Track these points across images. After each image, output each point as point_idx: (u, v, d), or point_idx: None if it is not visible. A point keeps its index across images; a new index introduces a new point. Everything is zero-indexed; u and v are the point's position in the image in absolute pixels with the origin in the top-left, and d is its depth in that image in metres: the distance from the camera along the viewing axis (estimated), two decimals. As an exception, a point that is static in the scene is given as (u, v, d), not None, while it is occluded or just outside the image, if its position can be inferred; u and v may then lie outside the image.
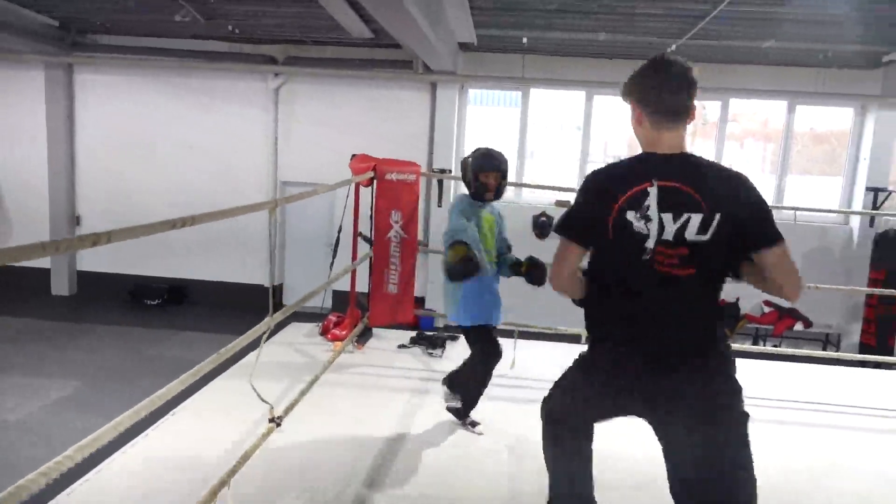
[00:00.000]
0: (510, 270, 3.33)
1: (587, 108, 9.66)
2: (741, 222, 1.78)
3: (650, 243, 1.78)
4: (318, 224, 9.90)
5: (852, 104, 9.35)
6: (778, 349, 7.25)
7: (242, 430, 3.08)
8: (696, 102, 1.92)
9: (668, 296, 1.83)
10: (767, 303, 9.08)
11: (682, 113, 1.88)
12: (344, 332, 4.48)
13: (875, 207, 8.91)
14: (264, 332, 2.58)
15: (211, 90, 9.81)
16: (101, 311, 9.65)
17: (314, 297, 3.45)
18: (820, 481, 3.05)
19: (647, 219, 1.77)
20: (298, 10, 7.77)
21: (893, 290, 5.71)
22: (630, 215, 1.79)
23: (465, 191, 3.40)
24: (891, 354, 7.80)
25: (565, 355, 4.59)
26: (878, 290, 7.32)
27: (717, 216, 1.76)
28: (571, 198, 8.31)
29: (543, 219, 9.41)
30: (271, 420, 2.55)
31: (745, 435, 1.83)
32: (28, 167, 10.05)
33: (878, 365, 5.42)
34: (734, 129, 10.33)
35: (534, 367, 4.32)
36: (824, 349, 8.93)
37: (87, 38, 9.67)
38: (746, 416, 1.85)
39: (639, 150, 1.99)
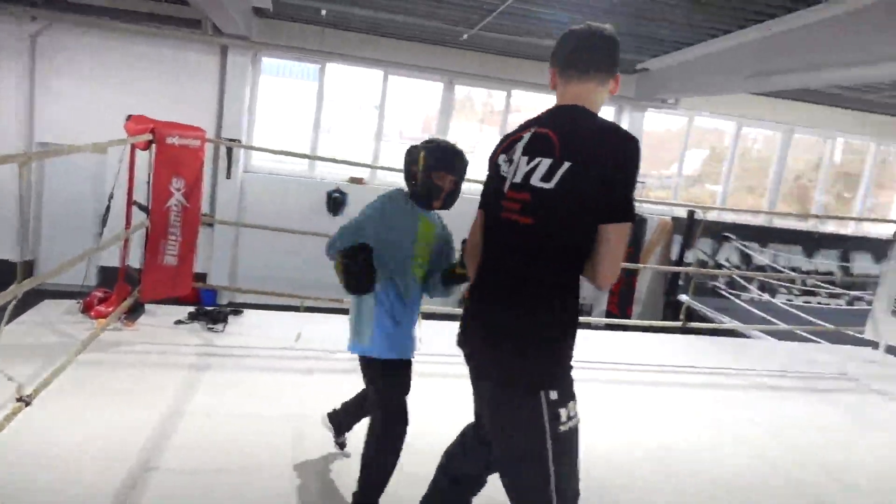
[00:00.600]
0: (443, 287, 2.52)
1: (383, 87, 9.83)
2: (591, 181, 1.60)
3: (505, 186, 1.70)
4: (85, 194, 8.87)
5: (613, 104, 10.66)
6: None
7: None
8: (550, 75, 1.85)
9: (506, 247, 1.72)
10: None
11: (581, 66, 1.75)
12: (110, 309, 4.12)
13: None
14: (7, 304, 2.30)
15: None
16: None
17: (75, 272, 3.06)
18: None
19: (511, 162, 1.71)
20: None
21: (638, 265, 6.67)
22: (501, 159, 1.74)
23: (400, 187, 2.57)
24: (630, 319, 9.14)
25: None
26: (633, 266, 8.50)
27: (566, 165, 1.60)
28: (366, 175, 8.47)
29: (337, 195, 9.51)
30: (19, 399, 2.30)
31: (535, 434, 1.68)
32: None
33: (623, 329, 6.36)
34: (517, 118, 11.21)
35: (319, 340, 4.38)
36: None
37: None
38: (539, 414, 1.68)
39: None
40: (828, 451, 3.66)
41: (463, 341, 1.87)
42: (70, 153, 2.81)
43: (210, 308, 4.50)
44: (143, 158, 4.09)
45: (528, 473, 1.70)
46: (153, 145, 3.87)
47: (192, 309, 4.49)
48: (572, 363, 1.73)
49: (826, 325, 6.41)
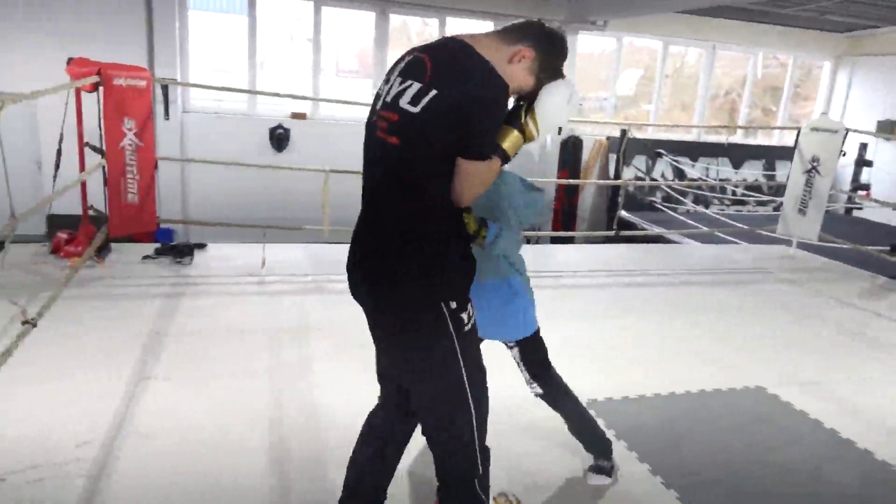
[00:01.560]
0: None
1: (316, 19, 9.71)
2: (452, 111, 1.58)
3: (379, 104, 1.72)
4: (19, 140, 8.62)
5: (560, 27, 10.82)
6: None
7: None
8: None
9: (377, 166, 1.72)
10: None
11: (506, 28, 1.79)
12: (79, 248, 4.27)
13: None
14: None
15: None
16: None
17: (21, 225, 3.14)
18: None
19: (387, 82, 1.73)
20: None
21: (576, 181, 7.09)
22: (381, 81, 1.77)
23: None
24: (572, 240, 9.68)
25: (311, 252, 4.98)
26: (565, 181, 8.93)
27: (433, 92, 1.60)
28: (307, 109, 8.58)
29: (280, 131, 9.52)
30: (25, 322, 2.52)
31: (420, 366, 1.72)
32: None
33: (564, 242, 6.83)
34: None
35: (283, 265, 4.64)
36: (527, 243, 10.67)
37: None
38: (422, 342, 1.69)
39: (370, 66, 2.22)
40: (746, 327, 4.22)
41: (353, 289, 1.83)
42: (34, 98, 2.91)
43: (174, 244, 4.68)
44: (89, 101, 4.14)
45: (447, 398, 1.75)
46: (100, 87, 3.94)
47: (157, 245, 4.66)
48: (464, 284, 1.74)
49: (741, 225, 7.04)
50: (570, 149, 10.61)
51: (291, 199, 8.39)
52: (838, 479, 2.63)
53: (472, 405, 1.74)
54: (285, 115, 9.57)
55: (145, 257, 4.55)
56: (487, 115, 1.62)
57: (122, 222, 4.20)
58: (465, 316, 1.72)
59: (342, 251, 4.94)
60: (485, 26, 10.77)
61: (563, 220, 10.47)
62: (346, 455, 1.98)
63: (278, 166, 6.98)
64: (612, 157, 10.97)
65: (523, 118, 1.74)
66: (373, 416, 2.00)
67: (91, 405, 2.65)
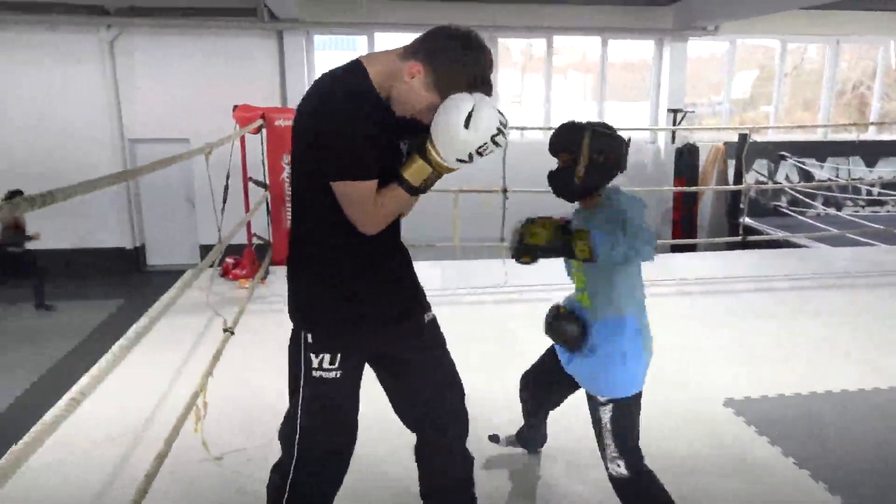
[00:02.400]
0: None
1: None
2: (304, 135, 1.59)
3: None
4: (174, 179, 9.75)
5: (652, 37, 10.81)
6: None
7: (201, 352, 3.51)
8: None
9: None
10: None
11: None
12: (245, 271, 4.87)
13: (675, 126, 10.55)
14: (210, 266, 2.99)
15: (40, 48, 9.12)
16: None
17: (177, 252, 3.63)
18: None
19: None
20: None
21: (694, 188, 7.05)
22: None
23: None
24: (694, 248, 9.52)
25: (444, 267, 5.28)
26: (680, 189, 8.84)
27: (296, 120, 1.64)
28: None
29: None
30: (226, 330, 3.01)
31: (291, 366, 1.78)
32: None
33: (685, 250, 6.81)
34: (558, 63, 11.48)
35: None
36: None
37: None
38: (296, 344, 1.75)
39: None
40: (886, 331, 4.09)
41: None
42: (217, 146, 3.43)
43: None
44: (250, 140, 4.74)
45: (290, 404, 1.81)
46: (263, 129, 4.52)
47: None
48: (342, 315, 1.70)
49: (876, 226, 6.70)
50: (686, 157, 10.46)
51: (421, 218, 8.84)
52: None
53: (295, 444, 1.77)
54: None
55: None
56: (331, 135, 1.53)
57: (285, 248, 4.76)
58: (315, 358, 1.70)
59: (473, 266, 5.34)
60: (592, 42, 10.91)
61: (683, 228, 10.31)
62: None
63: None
64: (731, 163, 10.69)
65: (426, 144, 1.57)
66: None
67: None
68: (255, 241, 4.94)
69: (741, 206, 7.36)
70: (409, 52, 1.60)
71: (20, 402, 5.72)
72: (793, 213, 9.82)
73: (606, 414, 1.96)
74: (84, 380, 1.89)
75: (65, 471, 2.59)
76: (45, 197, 1.56)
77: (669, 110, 10.82)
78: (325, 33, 10.10)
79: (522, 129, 5.35)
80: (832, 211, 10.02)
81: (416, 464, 1.96)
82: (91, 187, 1.85)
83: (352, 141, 1.53)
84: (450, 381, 1.90)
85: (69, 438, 2.65)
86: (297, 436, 1.76)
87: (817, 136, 11.72)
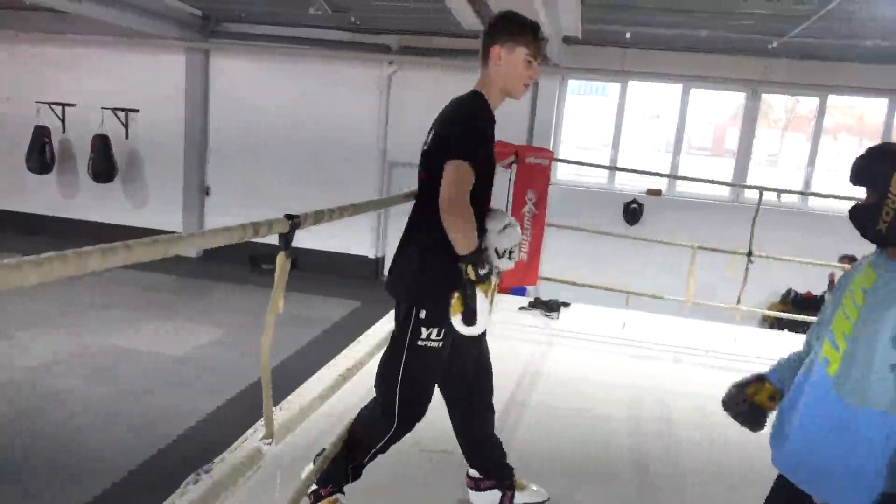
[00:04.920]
0: None
1: (683, 100, 10.03)
2: (438, 137, 2.14)
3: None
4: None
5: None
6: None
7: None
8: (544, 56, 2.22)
9: (419, 189, 2.28)
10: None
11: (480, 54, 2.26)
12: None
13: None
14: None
15: (332, 76, 10.72)
16: (224, 271, 10.79)
17: None
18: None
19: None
20: (417, 4, 8.53)
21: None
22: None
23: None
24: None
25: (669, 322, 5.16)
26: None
27: (433, 131, 2.19)
28: (663, 186, 8.88)
29: (634, 206, 9.98)
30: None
31: (392, 347, 2.20)
32: (166, 141, 11.29)
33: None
34: (828, 122, 10.48)
35: (642, 331, 4.96)
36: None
37: (223, 27, 10.78)
38: (401, 332, 2.16)
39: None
40: None
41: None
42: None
43: (546, 299, 5.38)
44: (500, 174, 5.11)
45: (386, 367, 2.21)
46: (514, 165, 4.86)
47: (531, 299, 5.42)
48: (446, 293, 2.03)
49: None
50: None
51: (649, 271, 8.68)
52: None
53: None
54: (640, 191, 10.02)
55: (521, 308, 5.32)
56: (456, 123, 2.18)
57: (511, 276, 5.03)
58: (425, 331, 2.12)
59: (702, 326, 5.12)
60: (875, 105, 9.78)
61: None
62: None
63: (643, 238, 7.33)
64: None
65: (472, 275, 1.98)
66: None
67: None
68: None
69: None
70: (482, 57, 2.23)
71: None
72: None
73: None
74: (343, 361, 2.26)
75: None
76: (346, 209, 2.20)
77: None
78: (581, 79, 10.42)
79: (780, 191, 5.01)
80: None
81: (462, 421, 2.40)
82: (378, 206, 2.40)
83: (472, 132, 2.13)
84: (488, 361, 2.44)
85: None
86: (398, 399, 2.16)
87: None
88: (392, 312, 2.28)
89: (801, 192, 9.31)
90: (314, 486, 2.26)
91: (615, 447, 3.15)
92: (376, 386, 2.26)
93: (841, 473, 1.53)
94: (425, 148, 2.19)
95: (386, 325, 4.22)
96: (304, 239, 9.88)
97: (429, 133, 2.21)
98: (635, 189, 10.07)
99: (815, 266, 8.73)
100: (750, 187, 9.11)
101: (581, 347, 4.63)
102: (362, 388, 3.43)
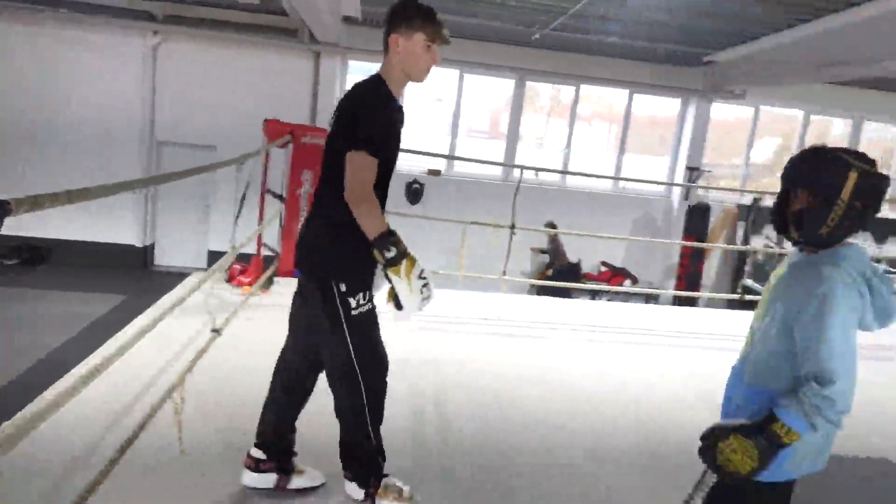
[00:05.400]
0: None
1: (460, 85, 10.56)
2: (345, 123, 2.16)
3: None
4: (192, 183, 9.99)
5: (679, 95, 11.04)
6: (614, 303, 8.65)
7: (189, 346, 3.66)
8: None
9: (322, 171, 2.28)
10: (604, 263, 10.64)
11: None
12: (250, 279, 5.04)
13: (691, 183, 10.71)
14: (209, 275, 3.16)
15: (85, 46, 9.52)
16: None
17: (186, 257, 3.77)
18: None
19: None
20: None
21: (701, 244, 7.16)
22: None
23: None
24: (697, 303, 9.58)
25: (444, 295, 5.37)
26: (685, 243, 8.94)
27: (337, 115, 2.22)
28: (442, 167, 9.24)
29: (416, 185, 10.33)
30: (213, 330, 3.17)
31: (330, 330, 2.24)
32: None
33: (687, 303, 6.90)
34: (584, 111, 11.74)
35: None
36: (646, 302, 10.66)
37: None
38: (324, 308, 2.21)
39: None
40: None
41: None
42: (249, 158, 3.64)
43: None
44: (275, 154, 4.95)
45: (334, 349, 2.26)
46: (290, 144, 4.74)
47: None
48: (363, 261, 2.18)
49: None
50: (697, 215, 10.58)
51: (432, 248, 9.04)
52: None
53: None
54: (421, 171, 10.40)
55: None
56: (356, 111, 2.17)
57: (289, 259, 4.93)
58: (353, 300, 2.20)
59: (475, 296, 5.44)
60: (620, 95, 11.16)
61: (687, 284, 10.39)
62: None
63: (423, 216, 7.62)
64: (741, 225, 10.80)
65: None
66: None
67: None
68: (264, 251, 5.12)
69: (746, 267, 7.45)
70: (384, 45, 2.24)
71: (13, 384, 5.82)
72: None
73: (713, 481, 1.80)
74: (80, 370, 2.03)
75: (44, 446, 2.72)
76: (75, 194, 1.74)
77: (687, 168, 10.99)
78: (362, 60, 10.43)
79: (537, 169, 5.49)
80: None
81: (284, 400, 2.46)
82: (121, 188, 2.06)
83: (376, 122, 2.14)
84: None
85: (56, 419, 2.79)
86: (359, 375, 2.24)
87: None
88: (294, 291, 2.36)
89: (551, 170, 10.21)
90: (362, 493, 2.35)
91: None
92: (330, 373, 2.32)
93: None
94: (331, 130, 2.24)
95: (151, 314, 3.91)
96: (58, 229, 8.82)
97: (333, 115, 2.26)
98: (417, 169, 10.41)
99: (568, 236, 9.79)
100: (510, 166, 9.94)
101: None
102: (110, 388, 3.15)
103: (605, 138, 12.10)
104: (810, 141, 12.13)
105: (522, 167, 5.61)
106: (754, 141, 11.87)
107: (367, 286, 2.22)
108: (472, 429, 3.25)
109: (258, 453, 2.44)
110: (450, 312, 5.09)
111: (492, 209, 7.63)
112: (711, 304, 8.98)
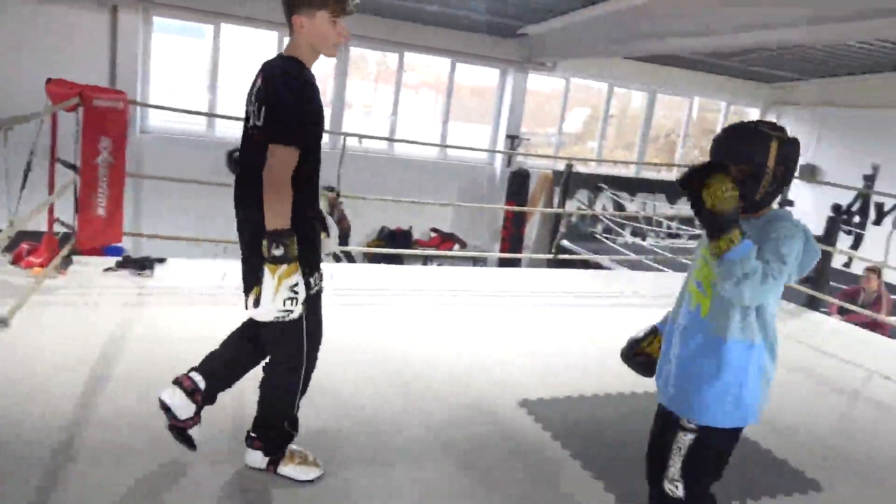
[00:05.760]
0: None
1: (279, 48, 10.07)
2: (267, 113, 2.08)
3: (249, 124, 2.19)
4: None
5: (498, 66, 11.47)
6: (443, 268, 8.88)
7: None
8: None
9: (245, 163, 2.20)
10: (433, 229, 10.90)
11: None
12: (40, 259, 4.44)
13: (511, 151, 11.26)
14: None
15: None
16: None
17: None
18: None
19: (249, 102, 2.20)
20: None
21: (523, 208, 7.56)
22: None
23: None
24: (520, 263, 10.16)
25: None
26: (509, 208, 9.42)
27: (257, 103, 2.12)
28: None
29: (237, 154, 9.76)
30: None
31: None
32: None
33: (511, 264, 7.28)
34: (412, 80, 11.79)
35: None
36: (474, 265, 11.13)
37: None
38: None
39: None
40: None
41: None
42: (19, 122, 3.15)
43: (137, 257, 4.89)
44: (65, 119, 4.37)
45: (286, 327, 2.24)
46: (80, 108, 4.19)
47: (118, 258, 4.86)
48: (316, 246, 2.33)
49: (666, 253, 7.64)
50: (518, 181, 11.17)
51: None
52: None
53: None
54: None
55: (107, 269, 4.74)
56: (277, 103, 2.11)
57: (90, 235, 4.41)
58: (312, 280, 2.29)
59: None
60: (440, 62, 11.33)
61: (511, 245, 10.98)
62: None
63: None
64: (557, 190, 11.59)
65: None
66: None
67: (53, 400, 2.89)
68: (57, 227, 4.54)
69: (561, 229, 8.01)
70: (289, 27, 2.18)
71: None
72: (605, 240, 10.85)
73: (684, 441, 1.88)
74: None
75: None
76: None
77: (507, 136, 11.52)
78: (168, 16, 9.54)
79: (360, 136, 5.42)
80: (638, 240, 11.20)
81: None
82: None
83: (296, 111, 2.12)
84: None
85: None
86: (305, 342, 2.32)
87: (630, 172, 13.07)
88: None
89: (375, 137, 10.06)
90: (266, 460, 2.43)
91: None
92: (273, 347, 2.37)
93: (710, 393, 1.84)
94: (257, 123, 2.12)
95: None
96: None
97: (251, 101, 2.18)
98: (238, 136, 9.83)
99: (398, 203, 9.88)
100: (333, 133, 9.75)
101: (176, 304, 4.35)
102: None
103: (433, 107, 12.29)
104: (615, 112, 13.31)
105: (346, 134, 5.50)
106: (566, 111, 12.72)
107: (315, 263, 2.32)
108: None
109: (200, 381, 2.39)
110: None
111: (322, 177, 7.42)
112: (533, 263, 9.58)
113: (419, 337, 4.26)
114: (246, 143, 2.21)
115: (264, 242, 2.05)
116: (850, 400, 4.23)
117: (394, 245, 10.05)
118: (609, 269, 8.25)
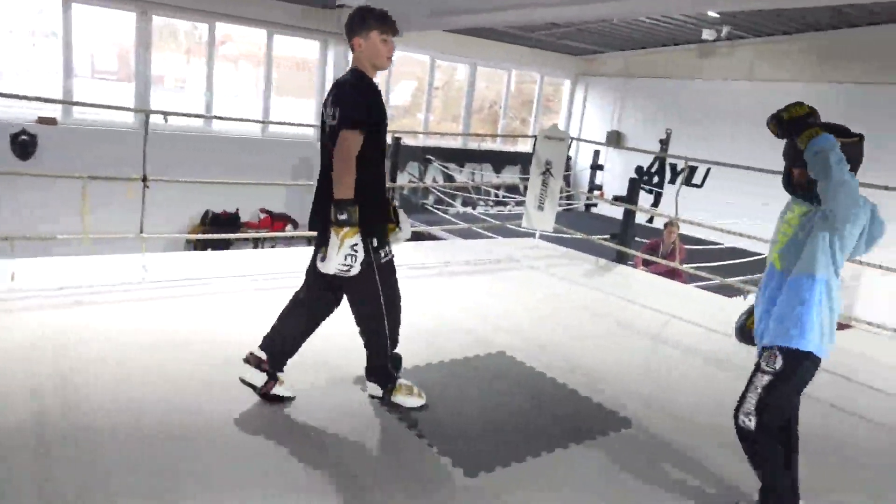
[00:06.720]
0: None
1: (66, 16, 8.94)
2: (340, 114, 2.67)
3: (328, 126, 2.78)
4: None
5: (319, 38, 11.13)
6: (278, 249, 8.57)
7: None
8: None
9: (325, 167, 2.73)
10: (263, 209, 10.46)
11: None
12: None
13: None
14: None
15: None
16: None
17: None
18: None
19: (324, 112, 2.82)
20: None
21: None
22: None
23: None
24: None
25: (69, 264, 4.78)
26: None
27: (335, 110, 2.71)
28: (58, 114, 8.00)
29: (25, 137, 8.58)
30: None
31: (359, 278, 2.77)
32: None
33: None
34: (231, 52, 11.08)
35: (36, 279, 4.36)
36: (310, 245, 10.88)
37: None
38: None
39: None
40: (496, 307, 4.90)
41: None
42: None
43: None
44: None
45: (364, 291, 2.88)
46: None
47: None
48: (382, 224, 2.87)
49: (494, 221, 7.99)
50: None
51: (44, 210, 7.68)
52: (554, 411, 3.30)
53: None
54: (30, 120, 8.68)
55: None
56: (347, 98, 2.74)
57: None
58: (382, 252, 2.91)
59: (106, 261, 4.87)
60: (257, 34, 10.77)
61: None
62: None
63: (25, 173, 6.39)
64: (387, 164, 11.62)
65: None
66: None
67: None
68: None
69: (394, 202, 8.05)
70: (351, 47, 2.83)
71: None
72: (437, 211, 11.10)
73: (764, 379, 2.26)
74: None
75: None
76: None
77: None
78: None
79: (166, 113, 4.96)
80: (469, 210, 11.60)
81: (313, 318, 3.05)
82: None
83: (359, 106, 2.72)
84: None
85: None
86: (383, 301, 2.89)
87: (458, 143, 13.45)
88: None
89: (182, 114, 9.27)
90: (381, 390, 3.09)
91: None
92: (356, 307, 2.95)
93: (788, 320, 2.23)
94: (333, 123, 2.70)
95: None
96: None
97: (327, 110, 2.78)
98: (24, 118, 8.67)
99: (222, 185, 9.35)
100: (128, 109, 8.95)
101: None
102: None
103: (255, 82, 11.69)
104: (440, 84, 13.53)
105: (148, 111, 5.01)
106: (393, 84, 12.73)
107: (386, 241, 2.90)
108: (128, 411, 2.89)
109: (261, 353, 2.92)
110: (82, 282, 4.40)
111: (128, 160, 6.76)
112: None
113: (251, 323, 4.07)
114: (325, 152, 2.75)
115: (332, 208, 2.56)
116: (654, 343, 4.73)
117: (220, 229, 9.48)
118: (443, 238, 8.45)
